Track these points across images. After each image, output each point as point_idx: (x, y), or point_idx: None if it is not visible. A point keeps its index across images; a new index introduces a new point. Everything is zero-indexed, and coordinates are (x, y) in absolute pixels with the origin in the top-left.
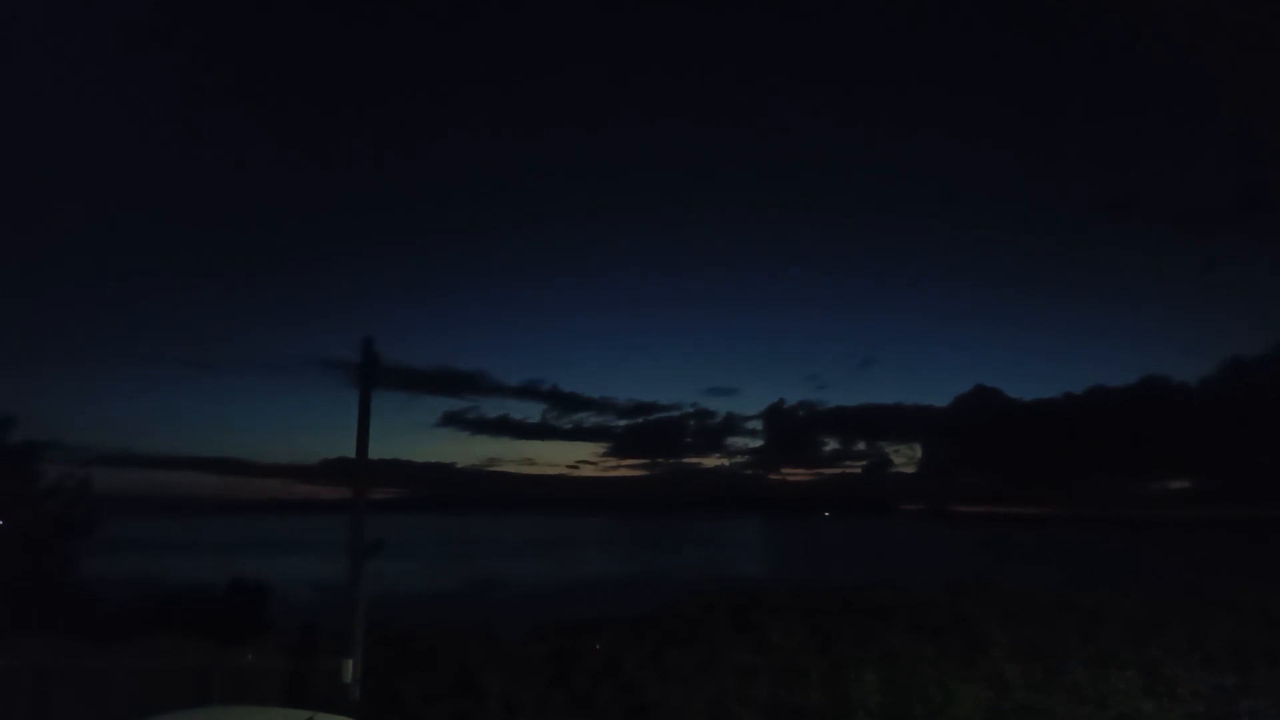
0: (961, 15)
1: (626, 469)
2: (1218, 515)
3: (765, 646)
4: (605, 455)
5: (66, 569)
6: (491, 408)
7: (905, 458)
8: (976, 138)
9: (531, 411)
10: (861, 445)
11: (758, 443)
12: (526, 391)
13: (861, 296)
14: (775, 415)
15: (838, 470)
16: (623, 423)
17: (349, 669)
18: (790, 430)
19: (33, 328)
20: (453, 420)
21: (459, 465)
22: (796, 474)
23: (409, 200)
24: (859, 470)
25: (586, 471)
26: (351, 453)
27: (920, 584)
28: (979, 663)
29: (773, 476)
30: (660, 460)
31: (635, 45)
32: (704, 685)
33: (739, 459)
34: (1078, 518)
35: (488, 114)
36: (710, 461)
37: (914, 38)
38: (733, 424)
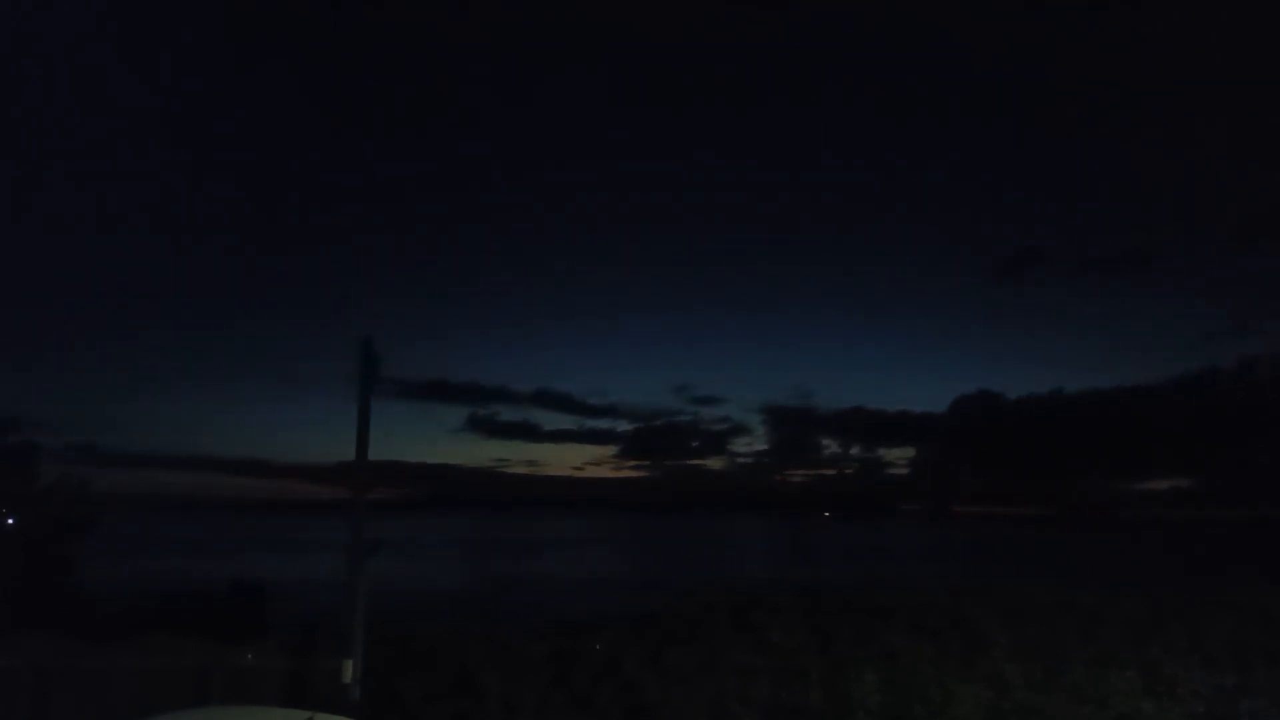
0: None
1: (630, 469)
2: (1217, 515)
3: (765, 646)
4: (613, 457)
5: (66, 569)
6: (512, 414)
7: (903, 459)
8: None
9: (548, 419)
10: (860, 448)
11: (760, 445)
12: (542, 398)
13: (859, 309)
14: (777, 419)
15: (837, 472)
16: (631, 426)
17: (349, 669)
18: (791, 433)
19: (51, 335)
20: (476, 425)
21: (474, 467)
22: (797, 475)
23: (441, 227)
24: (858, 472)
25: (592, 472)
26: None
27: (920, 584)
28: (979, 663)
29: (774, 478)
30: (665, 462)
31: (646, 82)
32: (704, 685)
33: (741, 460)
34: (1076, 518)
35: (509, 155)
36: (713, 463)
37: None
38: (736, 428)
